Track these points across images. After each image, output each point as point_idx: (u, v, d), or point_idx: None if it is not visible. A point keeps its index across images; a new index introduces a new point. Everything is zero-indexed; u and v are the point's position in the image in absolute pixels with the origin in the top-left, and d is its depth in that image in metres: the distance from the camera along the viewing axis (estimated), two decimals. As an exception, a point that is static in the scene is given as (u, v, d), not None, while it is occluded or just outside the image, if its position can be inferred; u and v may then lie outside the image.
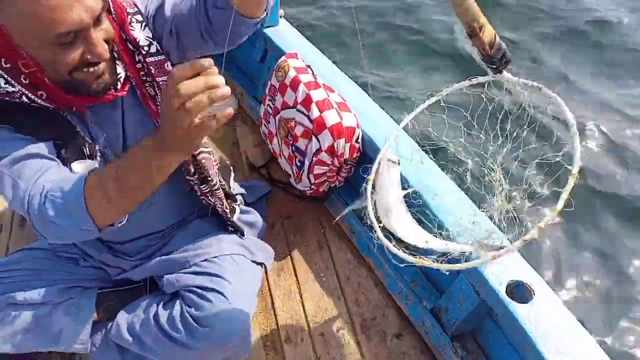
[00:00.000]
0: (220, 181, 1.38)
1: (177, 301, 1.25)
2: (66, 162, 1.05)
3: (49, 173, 0.99)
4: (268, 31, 2.07)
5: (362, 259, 1.70)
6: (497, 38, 0.94)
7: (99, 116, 1.12)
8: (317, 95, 1.54)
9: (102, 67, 1.00)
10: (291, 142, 1.66)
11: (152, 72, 1.13)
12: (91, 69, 0.98)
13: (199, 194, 1.33)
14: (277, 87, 1.66)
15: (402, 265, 1.12)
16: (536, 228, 0.91)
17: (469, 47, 0.99)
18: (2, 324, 1.25)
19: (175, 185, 1.31)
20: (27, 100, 0.99)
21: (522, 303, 1.18)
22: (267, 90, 1.74)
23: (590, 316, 1.94)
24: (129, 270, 1.39)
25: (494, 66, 0.99)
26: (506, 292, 1.20)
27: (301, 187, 1.72)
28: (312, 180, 1.62)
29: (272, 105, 1.73)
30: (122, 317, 1.34)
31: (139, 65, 1.12)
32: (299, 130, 1.60)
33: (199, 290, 1.23)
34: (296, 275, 1.69)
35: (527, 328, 1.14)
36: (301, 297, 1.63)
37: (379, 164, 1.18)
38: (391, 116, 1.68)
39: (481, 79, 1.08)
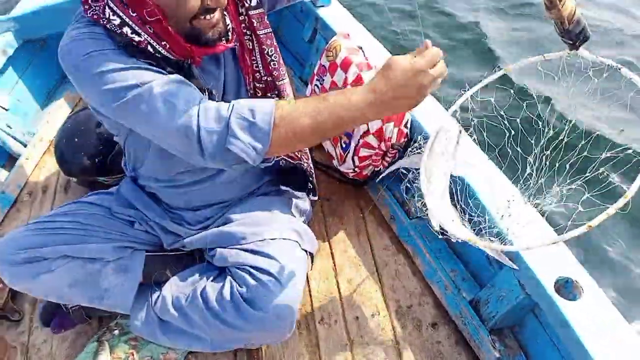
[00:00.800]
0: None
1: (228, 279, 1.25)
2: None
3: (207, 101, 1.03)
4: (319, 11, 2.06)
5: (400, 245, 1.67)
6: (578, 12, 0.90)
7: (205, 70, 1.16)
8: (368, 76, 1.52)
9: (217, 16, 1.04)
10: (337, 123, 1.64)
11: (254, 25, 1.15)
12: (208, 17, 1.01)
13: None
14: (327, 67, 1.64)
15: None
16: (586, 226, 0.87)
17: (546, 19, 0.96)
18: (52, 274, 1.27)
19: None
20: (151, 49, 1.02)
21: (571, 300, 1.14)
22: (315, 70, 1.72)
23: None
24: (182, 239, 1.40)
25: (571, 42, 0.95)
26: (554, 288, 1.17)
27: (344, 169, 1.70)
28: (357, 163, 1.61)
29: (319, 86, 1.72)
30: (168, 291, 1.35)
31: (241, 18, 1.15)
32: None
33: (252, 270, 1.22)
34: (333, 259, 1.68)
35: (574, 326, 1.10)
36: (337, 280, 1.62)
37: (438, 133, 1.16)
38: (441, 103, 1.65)
39: (555, 55, 1.04)
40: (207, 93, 1.12)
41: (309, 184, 1.48)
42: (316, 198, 1.54)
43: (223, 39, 1.09)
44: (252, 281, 1.20)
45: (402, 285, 1.58)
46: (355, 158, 1.60)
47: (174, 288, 1.35)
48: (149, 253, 1.40)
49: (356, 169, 1.64)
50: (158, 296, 1.36)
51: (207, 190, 1.31)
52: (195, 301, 1.26)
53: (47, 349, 1.54)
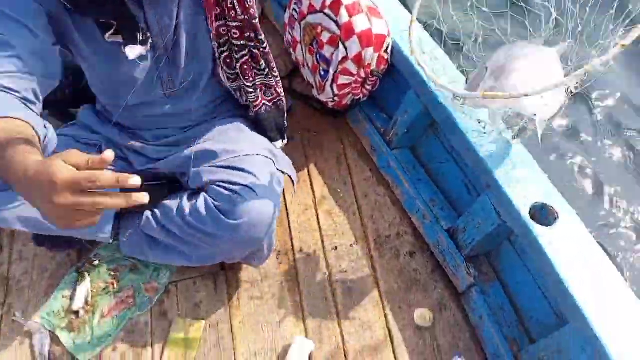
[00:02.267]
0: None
1: (202, 194, 1.23)
2: (120, 45, 1.05)
3: None
4: None
5: (381, 176, 1.65)
6: None
7: (156, 5, 1.08)
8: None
9: None
10: (316, 50, 1.57)
11: None
12: None
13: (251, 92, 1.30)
14: (304, -13, 1.55)
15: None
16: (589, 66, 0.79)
17: None
18: (22, 204, 1.25)
19: (210, 93, 1.31)
20: None
21: (545, 226, 1.14)
22: (293, -7, 1.63)
23: (616, 245, 1.89)
24: (153, 162, 1.37)
25: None
26: (529, 214, 1.16)
27: (324, 98, 1.65)
28: (336, 91, 1.55)
29: (297, 10, 1.63)
30: (148, 212, 1.35)
31: None
32: (325, 37, 1.51)
33: (226, 185, 1.19)
34: (312, 189, 1.67)
35: (547, 252, 1.10)
36: (316, 210, 1.61)
37: None
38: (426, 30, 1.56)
39: None
40: (145, 30, 1.05)
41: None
42: (285, 142, 1.48)
43: None
44: (228, 193, 1.18)
45: (382, 215, 1.57)
46: (335, 86, 1.54)
47: (154, 210, 1.34)
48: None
49: (335, 98, 1.59)
50: (141, 218, 1.36)
51: (164, 117, 1.28)
52: (173, 217, 1.26)
53: (28, 281, 1.54)
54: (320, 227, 1.58)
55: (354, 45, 1.43)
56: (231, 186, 1.19)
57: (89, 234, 1.35)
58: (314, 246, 1.55)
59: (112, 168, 1.39)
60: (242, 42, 1.20)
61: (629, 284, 1.07)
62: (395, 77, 1.53)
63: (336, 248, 1.54)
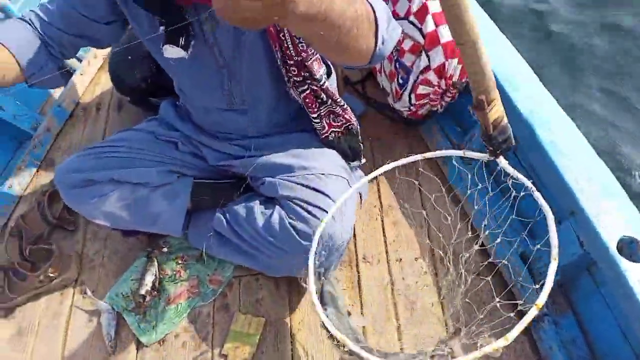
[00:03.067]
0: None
1: (277, 208, 1.24)
2: (160, 42, 1.07)
3: None
4: None
5: (451, 190, 1.61)
6: (505, 121, 0.83)
7: (220, 20, 1.09)
8: (434, 6, 1.41)
9: None
10: (396, 57, 1.55)
11: None
12: None
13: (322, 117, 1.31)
14: (390, -6, 1.53)
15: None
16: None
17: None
18: (103, 199, 1.32)
19: (283, 112, 1.33)
20: None
21: (634, 262, 1.07)
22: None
23: None
24: (227, 159, 1.40)
25: (492, 148, 0.87)
26: (617, 247, 1.09)
27: (399, 107, 1.63)
28: (414, 101, 1.53)
29: None
30: (220, 212, 1.39)
31: None
32: (407, 45, 1.49)
33: (303, 204, 1.21)
34: (380, 200, 1.65)
35: (634, 288, 1.04)
36: (382, 221, 1.59)
37: None
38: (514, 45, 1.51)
39: (475, 155, 0.98)
40: (183, 37, 1.06)
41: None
42: (362, 162, 1.47)
43: None
44: (304, 213, 1.19)
45: (450, 231, 1.53)
46: (412, 95, 1.52)
47: (226, 210, 1.37)
48: (198, 180, 1.41)
49: (412, 107, 1.57)
50: (214, 214, 1.40)
51: (233, 125, 1.31)
52: (242, 223, 1.28)
53: (99, 260, 1.61)
54: (385, 237, 1.56)
55: (437, 56, 1.41)
56: (308, 207, 1.19)
57: (162, 229, 1.40)
58: (377, 256, 1.53)
59: (187, 162, 1.43)
60: (300, 79, 1.21)
61: None
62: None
63: (400, 260, 1.51)
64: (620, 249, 1.09)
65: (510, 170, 0.94)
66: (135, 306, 1.49)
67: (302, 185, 1.23)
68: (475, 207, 1.51)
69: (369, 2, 0.87)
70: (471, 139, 1.54)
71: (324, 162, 1.31)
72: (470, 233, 1.48)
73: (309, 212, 1.18)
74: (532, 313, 0.82)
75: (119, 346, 1.44)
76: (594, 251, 1.14)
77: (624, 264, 1.07)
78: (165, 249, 1.58)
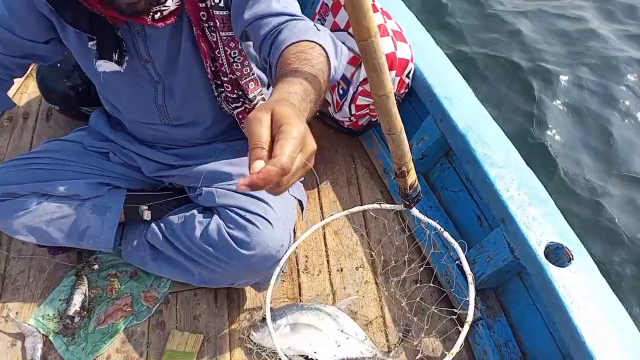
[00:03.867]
0: None
1: (214, 217, 1.21)
2: (93, 57, 1.07)
3: None
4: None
5: (391, 199, 1.64)
6: (417, 182, 1.09)
7: (153, 37, 1.08)
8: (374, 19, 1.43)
9: None
10: (335, 68, 1.56)
11: (217, 24, 1.05)
12: None
13: None
14: (329, 5, 1.54)
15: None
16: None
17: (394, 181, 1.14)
18: (28, 212, 1.24)
19: (219, 125, 1.31)
20: None
21: (559, 267, 1.12)
22: (317, 9, 1.62)
23: (628, 291, 1.88)
24: (163, 169, 1.35)
25: (407, 202, 1.13)
26: (544, 253, 1.14)
27: (339, 117, 1.64)
28: (354, 111, 1.54)
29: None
30: (154, 225, 1.33)
31: (202, 5, 1.03)
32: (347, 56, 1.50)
33: (241, 212, 1.18)
34: (321, 208, 1.65)
35: (560, 293, 1.08)
36: (324, 230, 1.59)
37: None
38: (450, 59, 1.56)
39: (390, 207, 1.21)
40: (117, 53, 1.05)
41: None
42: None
43: (154, 14, 0.99)
44: (243, 222, 1.17)
45: (390, 240, 1.56)
46: (352, 106, 1.53)
47: (161, 222, 1.32)
48: (130, 192, 1.36)
49: (352, 118, 1.58)
50: (148, 226, 1.35)
51: (170, 137, 1.28)
52: (179, 234, 1.24)
53: (24, 280, 1.51)
54: (326, 247, 1.56)
55: (375, 68, 1.43)
56: (246, 214, 1.17)
57: (92, 244, 1.33)
58: (319, 266, 1.53)
59: (119, 173, 1.37)
60: (234, 96, 1.20)
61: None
62: (415, 102, 1.52)
63: (341, 270, 1.52)
64: (547, 255, 1.14)
65: (421, 216, 1.18)
66: (63, 328, 1.40)
67: (240, 192, 1.21)
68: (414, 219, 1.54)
69: (318, 41, 0.87)
70: (411, 148, 1.56)
71: None
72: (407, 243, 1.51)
73: (247, 220, 1.16)
74: (466, 329, 0.98)
75: (45, 371, 1.35)
76: (523, 257, 1.19)
77: (551, 269, 1.11)
78: (95, 266, 1.50)
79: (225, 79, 1.15)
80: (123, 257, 1.45)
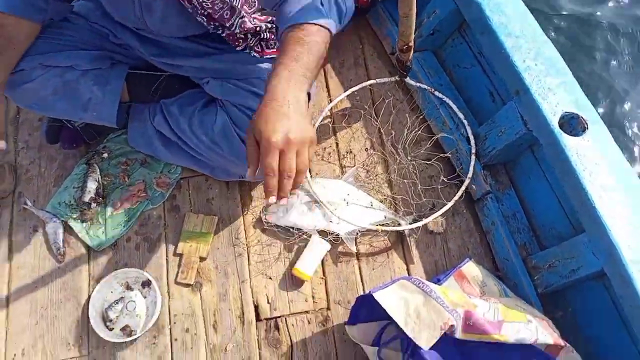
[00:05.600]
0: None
1: (220, 112, 1.18)
2: None
3: None
4: None
5: (401, 80, 1.59)
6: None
7: None
8: None
9: None
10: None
11: None
12: None
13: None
14: None
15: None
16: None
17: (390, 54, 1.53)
18: (32, 82, 1.21)
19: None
20: None
21: (574, 136, 1.11)
22: None
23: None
24: (167, 55, 1.30)
25: (404, 72, 1.35)
26: (558, 123, 1.13)
27: (345, -8, 1.54)
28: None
29: None
30: (160, 110, 1.32)
31: None
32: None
33: (248, 111, 1.16)
34: (328, 91, 1.61)
35: (573, 160, 1.09)
36: (332, 113, 1.56)
37: None
38: None
39: (386, 80, 1.43)
40: None
41: None
42: None
43: None
44: (248, 119, 1.15)
45: (399, 120, 1.54)
46: (359, -22, 1.44)
47: (166, 110, 1.30)
48: (133, 70, 1.32)
49: (358, -8, 1.49)
50: (153, 111, 1.33)
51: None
52: (186, 130, 1.23)
53: (36, 170, 1.52)
54: (335, 130, 1.54)
55: None
56: (252, 113, 1.15)
57: (95, 117, 1.32)
58: (329, 149, 1.52)
59: (121, 52, 1.32)
60: (212, 26, 1.15)
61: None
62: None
63: (350, 151, 1.52)
64: (561, 125, 1.13)
65: (416, 85, 1.39)
66: (80, 214, 1.44)
67: (249, 91, 1.18)
68: (425, 97, 1.51)
69: (320, 23, 0.91)
70: (421, 24, 1.49)
71: (268, 63, 1.25)
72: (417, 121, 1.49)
73: None
74: (466, 183, 1.26)
75: (69, 254, 1.41)
76: (536, 128, 1.18)
77: (564, 138, 1.11)
78: (105, 155, 1.50)
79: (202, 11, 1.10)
80: (130, 143, 1.45)
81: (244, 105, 1.17)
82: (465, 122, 1.39)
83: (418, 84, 1.42)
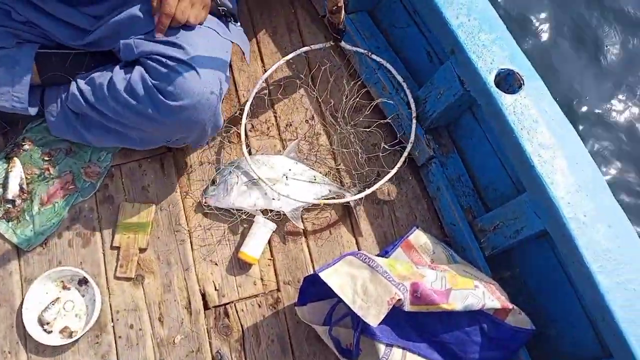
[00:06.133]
0: None
1: (137, 68, 1.10)
2: None
3: None
4: None
5: (336, 44, 1.51)
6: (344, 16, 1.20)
7: None
8: None
9: None
10: None
11: None
12: None
13: None
14: None
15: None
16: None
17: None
18: None
19: None
20: None
21: (510, 94, 1.08)
22: None
23: (579, 111, 1.88)
24: (80, 37, 1.19)
25: (339, 36, 1.28)
26: (495, 81, 1.09)
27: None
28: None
29: None
30: (74, 86, 1.20)
31: None
32: None
33: (164, 60, 1.07)
34: (262, 61, 1.53)
35: (510, 119, 1.05)
36: (267, 84, 1.48)
37: None
38: None
39: (320, 46, 1.37)
40: None
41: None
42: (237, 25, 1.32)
43: None
44: (167, 71, 1.06)
45: (338, 87, 1.47)
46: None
47: (81, 83, 1.20)
48: (42, 49, 1.20)
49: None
50: (67, 92, 1.23)
51: None
52: (104, 94, 1.13)
53: (-50, 170, 1.40)
54: (272, 103, 1.47)
55: None
56: (167, 61, 1.06)
57: (5, 103, 1.20)
58: (267, 124, 1.45)
59: (26, 30, 1.21)
60: None
61: (589, 152, 1.06)
62: None
63: (290, 125, 1.45)
64: (497, 83, 1.09)
65: (350, 47, 1.36)
66: (5, 213, 1.33)
67: (161, 42, 1.09)
68: (362, 62, 1.45)
69: None
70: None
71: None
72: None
73: (169, 68, 1.07)
74: (408, 148, 1.33)
75: (-4, 257, 1.32)
76: (473, 88, 1.14)
77: (501, 97, 1.07)
78: (26, 146, 1.38)
79: None
80: (52, 131, 1.34)
81: (156, 53, 1.09)
82: (404, 84, 1.34)
83: (354, 48, 1.35)
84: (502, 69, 1.09)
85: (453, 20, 1.12)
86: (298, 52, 1.36)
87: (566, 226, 0.97)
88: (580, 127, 1.92)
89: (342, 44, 1.32)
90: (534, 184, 1.03)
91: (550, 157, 1.02)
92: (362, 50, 1.37)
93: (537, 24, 2.10)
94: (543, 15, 2.12)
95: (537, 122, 1.05)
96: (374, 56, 1.36)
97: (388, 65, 1.36)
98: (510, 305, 1.10)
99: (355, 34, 1.44)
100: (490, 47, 1.11)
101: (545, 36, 2.09)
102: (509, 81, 1.10)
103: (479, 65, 1.09)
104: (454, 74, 1.17)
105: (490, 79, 1.08)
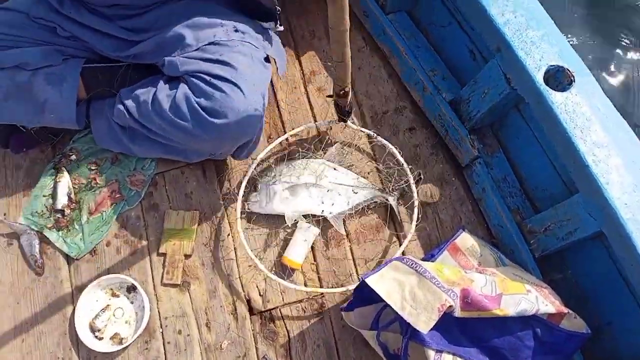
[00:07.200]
0: None
1: (181, 85, 1.11)
2: None
3: None
4: None
5: (375, 45, 1.50)
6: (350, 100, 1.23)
7: None
8: None
9: None
10: None
11: None
12: None
13: None
14: None
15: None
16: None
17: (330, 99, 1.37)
18: None
19: None
20: None
21: (560, 91, 1.04)
22: None
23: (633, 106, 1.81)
24: (120, 48, 1.21)
25: (344, 117, 1.30)
26: (544, 79, 1.05)
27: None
28: (321, -54, 1.34)
29: None
30: (119, 102, 1.23)
31: None
32: None
33: (209, 79, 1.08)
34: (300, 65, 1.52)
35: (562, 118, 1.02)
36: (306, 88, 1.48)
37: None
38: None
39: (326, 122, 1.39)
40: None
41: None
42: (279, 27, 1.31)
43: None
44: (210, 89, 1.07)
45: (377, 89, 1.46)
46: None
47: (125, 99, 1.22)
48: (88, 65, 1.23)
49: (321, -45, 1.38)
50: (112, 106, 1.25)
51: None
52: (148, 111, 1.15)
53: (2, 180, 1.44)
54: (311, 105, 1.47)
55: None
56: (212, 79, 1.07)
57: (54, 119, 1.24)
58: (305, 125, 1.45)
59: (71, 45, 1.24)
60: None
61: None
62: None
63: (331, 128, 1.44)
64: (546, 80, 1.05)
65: (356, 127, 1.37)
66: (55, 222, 1.37)
67: (204, 59, 1.10)
68: (403, 63, 1.43)
69: None
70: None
71: (227, 27, 1.16)
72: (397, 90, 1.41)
73: (213, 86, 1.07)
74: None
75: (48, 265, 1.35)
76: (520, 86, 1.10)
77: (551, 95, 1.03)
78: (73, 157, 1.42)
79: None
80: (98, 144, 1.37)
81: (200, 71, 1.10)
82: (407, 169, 1.33)
83: (360, 128, 1.38)
84: (551, 66, 1.05)
85: (499, 18, 1.09)
86: (303, 127, 1.39)
87: (624, 227, 0.93)
88: (635, 123, 1.84)
89: (348, 123, 1.33)
90: (588, 184, 0.99)
91: (605, 156, 0.98)
92: (367, 131, 1.38)
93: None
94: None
95: (590, 120, 1.01)
96: (379, 137, 1.36)
97: (393, 149, 1.34)
98: (566, 310, 1.07)
99: (395, 34, 1.42)
100: (538, 44, 1.07)
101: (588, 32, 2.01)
102: (558, 78, 1.06)
103: (527, 63, 1.06)
104: (499, 72, 1.14)
105: (539, 76, 1.05)
